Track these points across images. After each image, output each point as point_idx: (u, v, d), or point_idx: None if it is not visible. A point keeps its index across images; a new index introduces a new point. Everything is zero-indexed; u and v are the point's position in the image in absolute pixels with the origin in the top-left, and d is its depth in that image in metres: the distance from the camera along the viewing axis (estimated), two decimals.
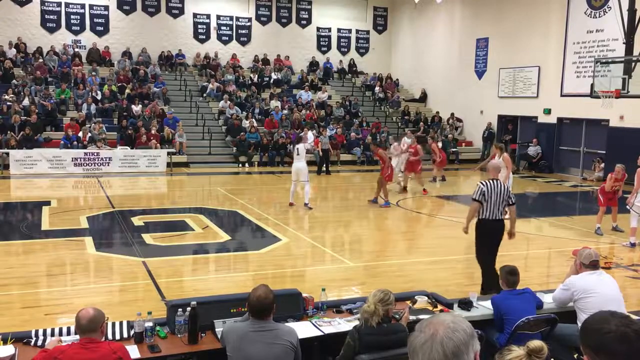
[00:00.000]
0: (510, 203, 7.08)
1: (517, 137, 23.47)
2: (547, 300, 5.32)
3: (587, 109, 18.86)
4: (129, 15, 25.74)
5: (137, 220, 11.44)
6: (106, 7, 25.37)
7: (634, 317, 2.00)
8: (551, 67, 21.25)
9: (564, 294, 5.10)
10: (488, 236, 7.13)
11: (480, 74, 24.73)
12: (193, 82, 25.45)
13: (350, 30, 29.61)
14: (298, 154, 13.02)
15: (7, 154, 18.07)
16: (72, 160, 18.39)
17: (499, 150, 12.55)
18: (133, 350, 4.03)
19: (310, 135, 22.42)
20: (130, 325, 4.41)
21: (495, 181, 7.05)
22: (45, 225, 11.00)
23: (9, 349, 4.01)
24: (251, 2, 27.72)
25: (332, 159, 22.12)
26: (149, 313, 4.44)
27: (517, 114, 23.27)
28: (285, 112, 23.80)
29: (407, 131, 19.44)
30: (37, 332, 4.35)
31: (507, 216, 7.28)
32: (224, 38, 27.45)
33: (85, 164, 18.51)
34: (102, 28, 25.43)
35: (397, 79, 29.21)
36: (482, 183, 7.06)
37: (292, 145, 13.61)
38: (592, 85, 16.45)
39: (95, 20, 25.33)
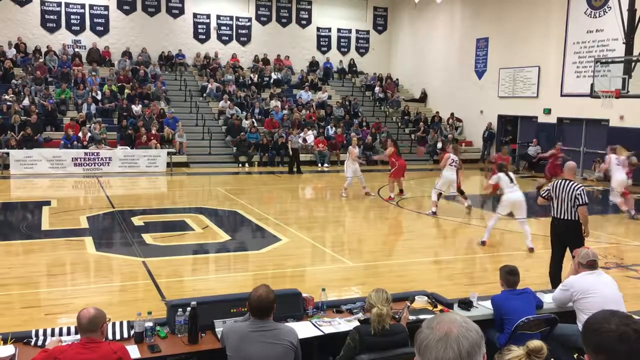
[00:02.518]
0: (579, 203, 7.05)
1: (517, 137, 23.48)
2: (547, 300, 5.31)
3: (587, 109, 18.87)
4: (129, 15, 25.75)
5: (137, 220, 11.44)
6: (106, 7, 25.38)
7: (635, 317, 2.00)
8: (551, 67, 21.25)
9: (564, 294, 5.10)
10: (556, 235, 7.29)
11: (480, 74, 24.74)
12: (193, 82, 25.45)
13: (350, 30, 29.61)
14: (512, 182, 10.01)
15: (7, 154, 18.07)
16: (72, 160, 18.39)
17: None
18: (133, 350, 4.03)
19: (310, 135, 22.46)
20: (130, 325, 4.41)
21: (564, 181, 7.19)
22: (45, 225, 11.00)
23: (9, 349, 4.01)
24: (251, 2, 27.72)
25: (333, 158, 22.18)
26: (149, 313, 4.44)
27: (517, 114, 23.28)
28: (285, 112, 23.80)
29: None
30: (37, 332, 4.34)
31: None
32: (224, 38, 27.45)
33: (85, 164, 18.51)
34: (102, 28, 25.43)
35: (397, 79, 29.21)
36: (552, 182, 7.43)
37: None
38: (592, 85, 16.46)
39: (95, 20, 25.34)
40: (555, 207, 7.21)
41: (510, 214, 10.29)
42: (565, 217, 7.13)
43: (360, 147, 22.57)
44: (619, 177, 13.00)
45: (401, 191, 15.14)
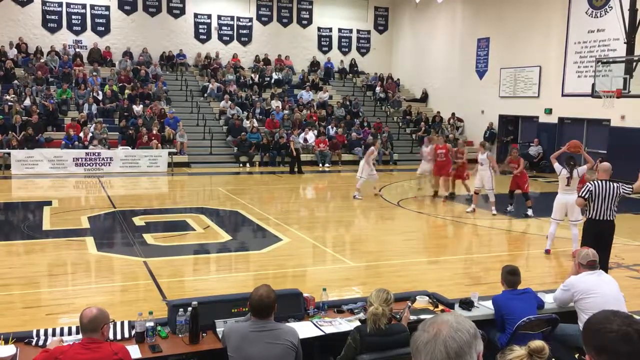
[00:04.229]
0: (627, 195, 7.33)
1: (519, 137, 23.47)
2: (549, 300, 5.30)
3: (588, 108, 18.85)
4: (130, 15, 25.76)
5: (138, 220, 11.44)
6: (107, 7, 25.39)
7: (636, 317, 2.00)
8: (552, 67, 21.24)
9: (564, 294, 5.09)
10: (594, 236, 7.31)
11: (481, 73, 24.72)
12: (194, 82, 25.46)
13: (351, 30, 29.61)
14: (568, 185, 9.21)
15: (9, 154, 18.08)
16: (73, 161, 18.41)
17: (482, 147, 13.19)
18: (134, 350, 4.03)
19: (311, 135, 22.46)
20: (131, 325, 4.41)
21: (604, 182, 7.28)
22: (46, 225, 11.00)
23: (10, 349, 4.01)
24: (252, 2, 27.72)
25: (334, 158, 22.19)
26: (150, 313, 4.44)
27: (518, 114, 23.28)
28: (286, 112, 23.81)
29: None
30: (38, 332, 4.34)
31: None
32: (224, 38, 27.46)
33: (86, 164, 18.52)
34: (103, 28, 25.45)
35: (398, 79, 29.20)
36: (590, 183, 7.39)
37: (566, 169, 9.20)
38: (593, 85, 16.45)
39: (96, 20, 25.35)
40: (596, 208, 7.28)
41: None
42: (606, 218, 7.27)
43: (361, 147, 22.65)
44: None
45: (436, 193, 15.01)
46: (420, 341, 1.70)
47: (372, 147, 15.16)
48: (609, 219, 7.33)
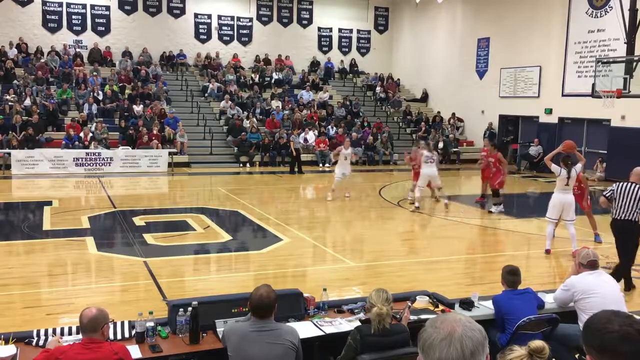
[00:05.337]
0: None
1: (519, 137, 23.48)
2: (549, 300, 5.31)
3: (588, 108, 18.85)
4: (130, 15, 25.76)
5: (138, 220, 11.44)
6: (107, 7, 25.40)
7: (636, 317, 2.00)
8: (552, 67, 21.24)
9: (564, 294, 5.10)
10: (617, 235, 7.53)
11: (481, 73, 24.72)
12: (194, 82, 25.46)
13: (351, 30, 29.62)
14: (567, 185, 9.09)
15: (9, 154, 18.08)
16: (74, 161, 18.41)
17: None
18: (134, 350, 4.03)
19: (311, 134, 22.47)
20: (131, 325, 4.41)
21: (630, 184, 7.38)
22: (46, 225, 11.00)
23: (10, 349, 4.01)
24: (252, 2, 27.72)
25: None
26: (150, 313, 4.44)
27: (518, 114, 23.28)
28: (286, 112, 23.81)
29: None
30: (38, 332, 4.35)
31: None
32: (225, 38, 27.46)
33: (86, 164, 18.53)
34: (103, 28, 25.46)
35: (398, 79, 29.20)
36: (615, 184, 7.54)
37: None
38: (593, 85, 16.44)
39: (97, 20, 25.36)
40: (617, 207, 7.42)
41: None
42: (627, 218, 7.36)
43: (361, 147, 22.65)
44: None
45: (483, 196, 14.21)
46: (434, 338, 1.69)
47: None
48: (630, 219, 7.37)
